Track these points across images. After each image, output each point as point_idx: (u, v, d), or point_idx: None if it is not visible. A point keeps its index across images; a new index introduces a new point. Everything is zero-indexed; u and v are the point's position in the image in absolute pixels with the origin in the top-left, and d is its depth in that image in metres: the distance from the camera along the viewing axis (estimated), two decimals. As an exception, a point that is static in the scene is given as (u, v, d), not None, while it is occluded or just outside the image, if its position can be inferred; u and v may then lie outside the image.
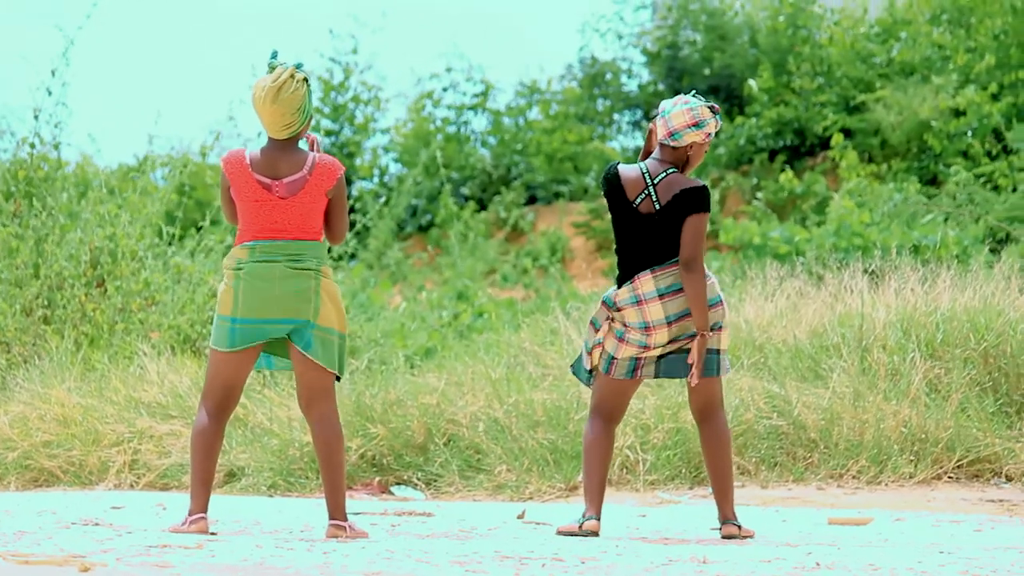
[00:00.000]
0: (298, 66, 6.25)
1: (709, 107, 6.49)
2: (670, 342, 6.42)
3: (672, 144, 6.45)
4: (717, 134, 21.10)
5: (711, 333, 6.39)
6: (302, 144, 6.29)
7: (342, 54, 23.89)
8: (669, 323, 6.38)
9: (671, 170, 6.41)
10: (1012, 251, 13.48)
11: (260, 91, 6.19)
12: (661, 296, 6.39)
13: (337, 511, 6.30)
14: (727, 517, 6.54)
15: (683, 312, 6.38)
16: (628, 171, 6.44)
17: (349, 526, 6.31)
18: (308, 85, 6.27)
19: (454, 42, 30.75)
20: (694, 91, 6.65)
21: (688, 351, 6.43)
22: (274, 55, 6.29)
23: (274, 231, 6.21)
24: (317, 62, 23.79)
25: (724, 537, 6.54)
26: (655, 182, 6.39)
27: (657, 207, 6.36)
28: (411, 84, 24.39)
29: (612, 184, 6.42)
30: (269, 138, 6.27)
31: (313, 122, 6.33)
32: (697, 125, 6.42)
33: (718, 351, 6.45)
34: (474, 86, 24.09)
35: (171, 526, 6.36)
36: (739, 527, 6.54)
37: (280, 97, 6.17)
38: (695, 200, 6.35)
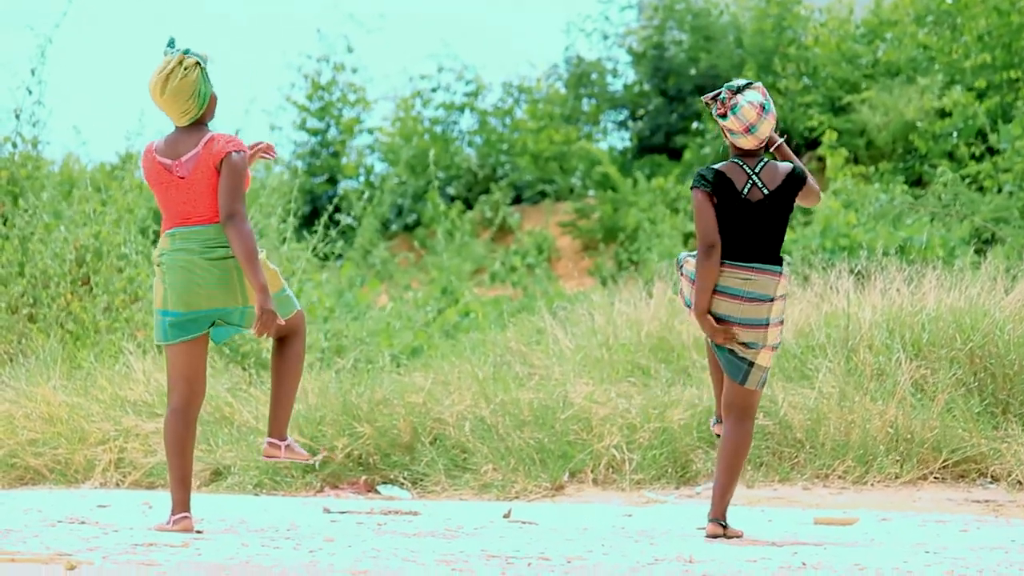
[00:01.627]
0: (186, 52, 6.23)
1: (740, 88, 6.53)
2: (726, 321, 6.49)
3: (752, 137, 6.51)
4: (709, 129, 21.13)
5: (767, 350, 6.54)
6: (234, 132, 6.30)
7: (332, 53, 23.82)
8: (735, 296, 6.48)
9: (764, 159, 6.55)
10: (997, 252, 13.49)
11: (151, 83, 6.20)
12: (722, 294, 6.49)
13: (276, 430, 6.33)
14: (716, 516, 6.54)
15: (742, 318, 6.49)
16: (725, 167, 6.54)
17: (286, 446, 6.33)
18: (201, 67, 6.24)
19: (445, 42, 30.62)
20: (734, 84, 6.59)
21: (741, 357, 6.52)
22: (170, 43, 6.27)
23: (184, 216, 6.21)
24: (305, 62, 23.71)
25: (708, 536, 6.54)
26: (757, 171, 6.51)
27: (766, 192, 6.49)
28: (401, 83, 24.28)
29: (719, 180, 6.48)
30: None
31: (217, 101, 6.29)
32: (763, 109, 6.51)
33: (766, 368, 6.56)
34: (466, 85, 24.04)
35: (156, 525, 6.36)
36: (724, 527, 6.55)
37: (169, 86, 6.18)
38: (800, 179, 6.54)
